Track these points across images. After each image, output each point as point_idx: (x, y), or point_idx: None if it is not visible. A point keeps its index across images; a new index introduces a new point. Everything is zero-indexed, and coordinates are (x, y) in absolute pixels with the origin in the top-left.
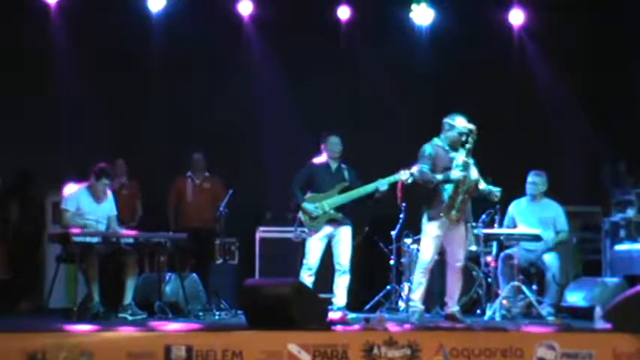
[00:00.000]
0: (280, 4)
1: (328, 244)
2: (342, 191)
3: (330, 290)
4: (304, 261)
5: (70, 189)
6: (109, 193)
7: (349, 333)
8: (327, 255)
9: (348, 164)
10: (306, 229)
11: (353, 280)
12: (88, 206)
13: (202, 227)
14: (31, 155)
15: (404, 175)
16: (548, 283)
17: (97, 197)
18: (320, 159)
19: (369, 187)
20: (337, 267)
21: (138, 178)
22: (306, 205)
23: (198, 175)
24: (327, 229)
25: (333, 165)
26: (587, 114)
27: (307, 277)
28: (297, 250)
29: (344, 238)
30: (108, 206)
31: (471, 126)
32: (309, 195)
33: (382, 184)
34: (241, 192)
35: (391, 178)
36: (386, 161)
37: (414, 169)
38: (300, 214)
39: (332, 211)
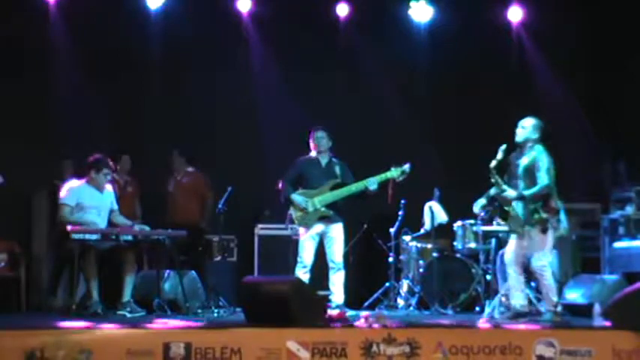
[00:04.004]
0: (279, 1)
1: (320, 242)
2: (334, 188)
3: (327, 287)
4: (298, 259)
5: (70, 184)
6: (109, 186)
7: (348, 330)
8: (322, 252)
9: (340, 159)
10: (297, 227)
11: (352, 278)
12: (89, 198)
13: (185, 223)
14: (31, 155)
15: (395, 173)
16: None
17: (100, 188)
18: (309, 155)
19: (358, 186)
20: (331, 265)
21: (137, 177)
22: (295, 197)
23: (179, 170)
24: (319, 227)
25: (323, 160)
26: (587, 113)
27: (302, 275)
28: (295, 247)
29: (336, 235)
30: (109, 197)
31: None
32: (300, 191)
33: (372, 183)
34: (240, 190)
35: (382, 176)
36: (384, 159)
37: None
38: (291, 210)
39: (323, 209)
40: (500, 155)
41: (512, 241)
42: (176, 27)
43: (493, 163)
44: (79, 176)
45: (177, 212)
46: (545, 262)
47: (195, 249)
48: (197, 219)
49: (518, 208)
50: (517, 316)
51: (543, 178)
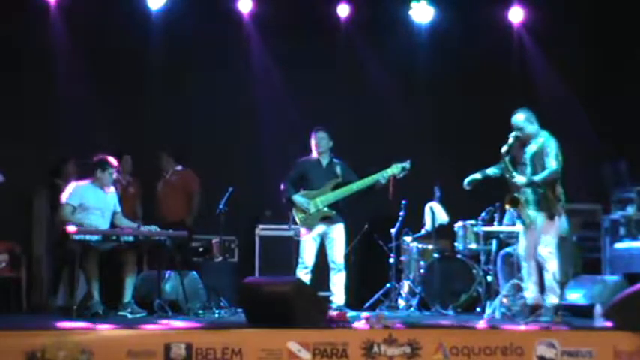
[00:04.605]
0: (280, 1)
1: (322, 242)
2: (335, 188)
3: (328, 288)
4: (299, 260)
5: (75, 185)
6: (112, 188)
7: (349, 331)
8: (323, 253)
9: (342, 159)
10: (300, 228)
11: (353, 278)
12: (94, 199)
13: (173, 221)
14: (30, 155)
15: (396, 170)
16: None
17: (104, 188)
18: (310, 156)
19: (366, 182)
20: (332, 265)
21: (138, 177)
22: (297, 198)
23: (168, 169)
24: (320, 228)
25: (324, 161)
26: (587, 113)
27: (303, 275)
28: (296, 248)
29: (337, 235)
30: (113, 199)
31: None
32: (301, 192)
33: (383, 177)
34: (241, 190)
35: (384, 173)
36: (384, 159)
37: None
38: (293, 212)
39: (325, 209)
40: (511, 140)
41: (523, 237)
42: (176, 27)
43: (504, 149)
44: (83, 177)
45: (165, 212)
46: (552, 248)
47: (183, 248)
48: (184, 218)
49: (528, 194)
50: (532, 309)
51: (552, 163)
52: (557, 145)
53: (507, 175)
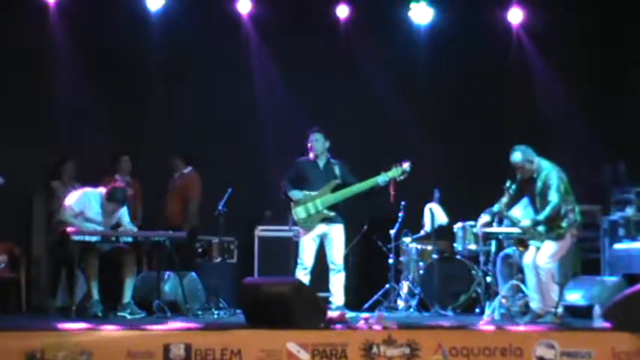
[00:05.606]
0: (279, 2)
1: (321, 243)
2: (335, 189)
3: (327, 289)
4: (299, 260)
5: (84, 190)
6: (120, 210)
7: (348, 332)
8: (323, 254)
9: (340, 159)
10: (299, 229)
11: (352, 279)
12: (95, 211)
13: (173, 224)
14: (30, 156)
15: (395, 172)
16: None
17: (106, 213)
18: (307, 156)
19: (366, 184)
20: (331, 266)
21: (138, 178)
22: (293, 192)
23: (177, 171)
24: (320, 229)
25: (321, 162)
26: (586, 114)
27: (302, 277)
28: (296, 249)
29: (336, 236)
30: (112, 221)
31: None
32: (301, 193)
33: (383, 180)
34: (240, 191)
35: (383, 175)
36: (384, 159)
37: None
38: (293, 213)
39: (325, 210)
40: (505, 197)
41: (533, 248)
42: (176, 28)
43: (503, 202)
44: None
45: (169, 214)
46: (552, 264)
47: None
48: (181, 223)
49: (539, 229)
50: (537, 317)
51: (553, 197)
52: (558, 176)
53: (512, 223)
